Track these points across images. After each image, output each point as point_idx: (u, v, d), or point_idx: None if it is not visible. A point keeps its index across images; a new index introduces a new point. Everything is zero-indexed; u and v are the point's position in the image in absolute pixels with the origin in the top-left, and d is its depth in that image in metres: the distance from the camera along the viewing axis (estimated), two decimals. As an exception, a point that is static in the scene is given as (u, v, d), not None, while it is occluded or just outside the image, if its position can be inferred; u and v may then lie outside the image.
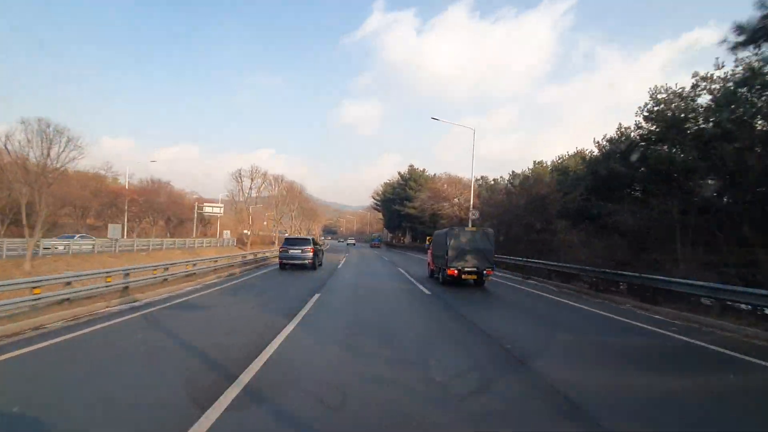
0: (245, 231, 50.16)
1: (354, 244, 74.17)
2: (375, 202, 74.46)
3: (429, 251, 17.34)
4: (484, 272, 13.34)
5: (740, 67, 10.71)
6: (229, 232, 51.13)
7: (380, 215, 78.74)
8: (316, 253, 19.74)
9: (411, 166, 60.49)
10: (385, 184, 67.85)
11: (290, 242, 20.21)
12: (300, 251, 19.06)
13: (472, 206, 25.21)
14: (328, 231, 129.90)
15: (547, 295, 12.49)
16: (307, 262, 18.91)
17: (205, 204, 50.65)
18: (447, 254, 13.27)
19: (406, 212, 50.76)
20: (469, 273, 13.25)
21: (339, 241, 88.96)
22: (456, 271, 13.15)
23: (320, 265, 20.94)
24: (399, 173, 62.61)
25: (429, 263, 17.16)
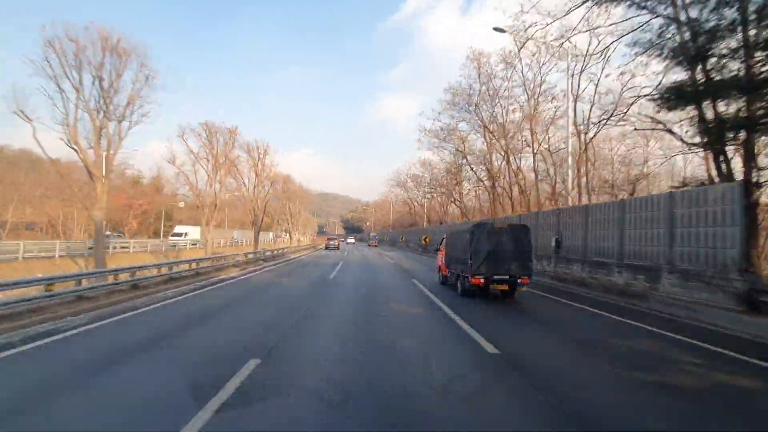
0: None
1: (354, 243, 67.68)
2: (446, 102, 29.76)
3: (440, 252, 14.37)
4: (519, 281, 10.32)
5: None
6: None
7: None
8: (339, 242, 51.54)
9: None
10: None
11: (330, 238, 49.44)
12: (333, 242, 47.01)
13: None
14: (352, 229, 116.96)
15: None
16: (337, 246, 45.81)
17: None
18: (470, 258, 10.28)
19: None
20: (500, 282, 10.24)
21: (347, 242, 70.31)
22: (482, 280, 10.17)
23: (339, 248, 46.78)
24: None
25: (439, 267, 14.34)
